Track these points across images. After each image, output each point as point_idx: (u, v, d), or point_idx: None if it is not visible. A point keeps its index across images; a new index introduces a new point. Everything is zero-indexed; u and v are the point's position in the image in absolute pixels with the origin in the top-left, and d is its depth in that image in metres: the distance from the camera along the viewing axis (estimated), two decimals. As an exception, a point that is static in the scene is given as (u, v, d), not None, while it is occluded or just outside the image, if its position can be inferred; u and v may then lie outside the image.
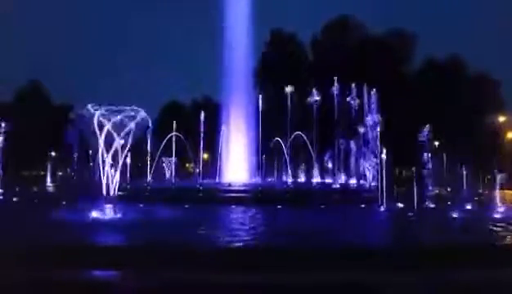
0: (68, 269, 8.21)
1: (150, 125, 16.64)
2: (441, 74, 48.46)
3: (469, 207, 18.44)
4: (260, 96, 33.27)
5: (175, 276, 8.05)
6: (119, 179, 15.37)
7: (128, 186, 22.12)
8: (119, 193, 15.52)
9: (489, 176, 30.55)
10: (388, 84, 44.18)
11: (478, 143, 37.87)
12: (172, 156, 32.68)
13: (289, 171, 31.26)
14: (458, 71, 50.33)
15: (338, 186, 26.41)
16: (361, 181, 26.63)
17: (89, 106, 14.70)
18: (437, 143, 40.02)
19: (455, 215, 15.60)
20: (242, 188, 22.93)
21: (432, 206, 19.00)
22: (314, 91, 32.59)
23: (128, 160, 23.55)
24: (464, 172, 22.49)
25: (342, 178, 30.12)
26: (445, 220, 14.96)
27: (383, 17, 56.76)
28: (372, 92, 28.31)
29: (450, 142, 40.14)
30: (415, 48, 52.96)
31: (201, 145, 29.46)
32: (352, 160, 29.52)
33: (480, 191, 27.17)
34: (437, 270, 8.37)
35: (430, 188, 20.51)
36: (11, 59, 74.40)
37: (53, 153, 33.91)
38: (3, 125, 23.72)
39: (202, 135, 28.88)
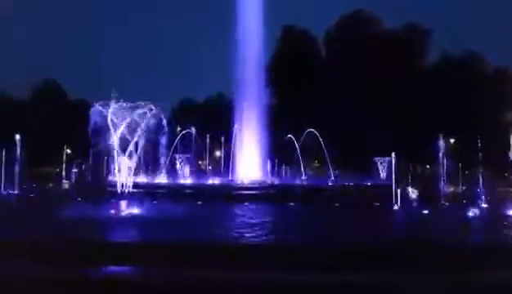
0: (87, 266, 8.30)
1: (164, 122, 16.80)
2: (456, 69, 47.69)
3: (484, 205, 18.19)
4: (273, 93, 33.13)
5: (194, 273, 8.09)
6: (133, 175, 15.54)
7: (142, 183, 22.25)
8: (134, 190, 15.67)
9: (506, 174, 30.08)
10: (403, 79, 43.79)
11: (494, 140, 37.17)
12: (184, 153, 32.78)
13: (302, 169, 31.13)
14: (474, 66, 49.41)
15: (351, 184, 26.18)
16: (375, 179, 26.44)
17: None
18: (452, 140, 39.54)
19: (470, 213, 15.42)
20: (255, 185, 22.93)
21: (447, 204, 18.79)
22: None
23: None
24: (480, 170, 22.15)
25: (355, 175, 29.89)
26: (460, 219, 14.80)
27: (397, 11, 55.77)
28: None
29: (465, 139, 39.58)
30: (430, 43, 52.13)
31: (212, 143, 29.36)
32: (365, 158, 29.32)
33: (496, 189, 26.74)
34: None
35: (445, 186, 20.27)
36: (25, 58, 75.40)
37: (68, 151, 34.28)
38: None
39: (215, 132, 28.77)
